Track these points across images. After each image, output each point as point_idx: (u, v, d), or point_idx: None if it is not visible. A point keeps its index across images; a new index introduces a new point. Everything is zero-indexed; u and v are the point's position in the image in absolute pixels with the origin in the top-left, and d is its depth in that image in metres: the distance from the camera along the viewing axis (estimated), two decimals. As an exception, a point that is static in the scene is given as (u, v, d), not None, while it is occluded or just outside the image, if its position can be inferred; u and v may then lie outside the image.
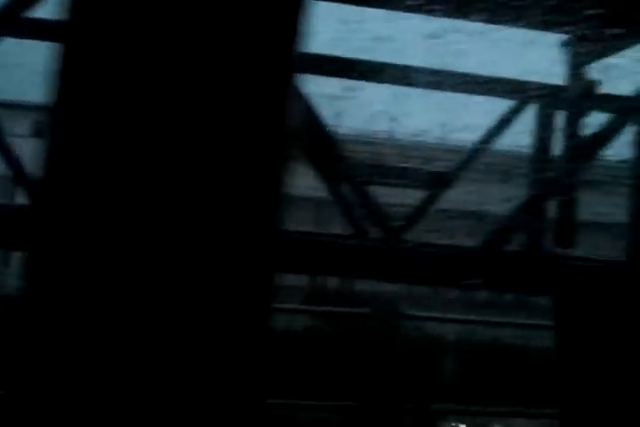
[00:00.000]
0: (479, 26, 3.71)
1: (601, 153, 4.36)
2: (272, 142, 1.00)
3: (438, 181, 4.03)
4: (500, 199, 5.24)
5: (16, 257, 7.81)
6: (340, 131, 9.82)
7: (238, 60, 0.96)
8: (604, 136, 4.21)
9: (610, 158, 7.19)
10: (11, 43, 3.40)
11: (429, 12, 3.55)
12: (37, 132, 10.02)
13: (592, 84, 4.31)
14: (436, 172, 4.14)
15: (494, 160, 7.57)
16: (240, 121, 0.97)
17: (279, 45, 0.98)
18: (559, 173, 4.24)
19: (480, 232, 4.22)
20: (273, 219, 1.04)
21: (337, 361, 7.03)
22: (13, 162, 3.55)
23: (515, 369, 7.30)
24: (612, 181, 7.57)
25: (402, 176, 4.05)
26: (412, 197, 4.63)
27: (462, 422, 6.71)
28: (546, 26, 3.92)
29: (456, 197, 5.11)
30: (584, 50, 4.29)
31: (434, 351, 7.28)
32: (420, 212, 3.97)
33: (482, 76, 4.18)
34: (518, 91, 4.19)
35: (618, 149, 5.23)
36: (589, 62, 4.38)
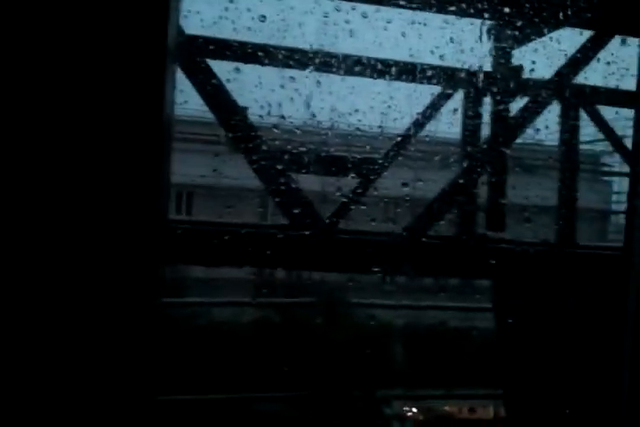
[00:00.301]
0: (369, 7, 3.69)
1: (528, 136, 4.44)
2: (149, 131, 0.97)
3: (369, 169, 4.04)
4: (437, 185, 5.30)
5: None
6: (281, 119, 9.79)
7: (105, 44, 0.92)
8: (529, 119, 4.29)
9: (546, 143, 7.35)
10: None
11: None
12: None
13: (516, 69, 4.39)
14: (367, 159, 4.14)
15: (432, 147, 7.66)
16: (113, 108, 0.94)
17: (149, 28, 0.94)
18: (488, 157, 4.31)
19: (417, 217, 4.26)
20: (156, 210, 1.01)
21: (286, 351, 7.05)
22: None
23: (462, 351, 7.44)
24: (550, 165, 7.76)
25: (333, 164, 4.03)
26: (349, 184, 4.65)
27: (411, 406, 6.81)
28: (438, 8, 3.94)
29: (394, 184, 5.15)
30: (507, 35, 4.35)
31: (382, 337, 7.36)
32: (353, 200, 3.98)
33: (407, 63, 4.20)
34: (444, 77, 4.23)
35: (556, 134, 5.35)
36: (513, 48, 4.46)
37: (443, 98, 4.42)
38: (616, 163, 9.24)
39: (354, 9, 3.64)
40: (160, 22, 0.91)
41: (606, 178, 11.13)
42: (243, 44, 3.82)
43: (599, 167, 10.89)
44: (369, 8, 3.67)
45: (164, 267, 1.00)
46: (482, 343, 6.80)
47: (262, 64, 3.81)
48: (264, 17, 3.58)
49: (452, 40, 3.73)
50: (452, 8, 4.19)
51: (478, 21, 4.36)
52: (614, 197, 10.93)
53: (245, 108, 8.00)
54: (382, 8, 3.70)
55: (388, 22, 3.73)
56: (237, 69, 3.75)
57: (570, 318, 4.35)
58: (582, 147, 5.58)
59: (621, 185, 10.23)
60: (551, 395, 4.62)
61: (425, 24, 3.81)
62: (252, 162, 3.81)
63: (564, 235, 4.61)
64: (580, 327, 4.27)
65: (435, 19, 3.94)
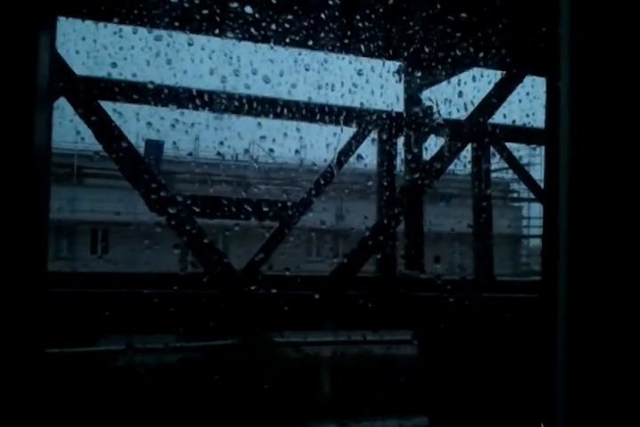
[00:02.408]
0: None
1: (441, 173, 4.52)
2: (15, 172, 0.90)
3: (283, 213, 3.99)
4: (360, 215, 5.34)
5: None
6: (199, 154, 9.68)
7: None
8: (443, 157, 4.38)
9: (458, 172, 7.61)
10: None
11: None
12: None
13: (427, 110, 4.49)
14: (279, 202, 4.06)
15: (352, 178, 7.78)
16: None
17: (15, 71, 0.90)
18: (403, 195, 4.35)
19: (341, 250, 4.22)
20: (31, 258, 0.93)
21: (212, 393, 6.83)
22: None
23: (389, 379, 7.47)
24: (463, 194, 8.03)
25: (243, 208, 3.93)
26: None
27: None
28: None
29: (316, 216, 5.13)
30: (418, 77, 4.46)
31: (309, 373, 7.28)
32: (269, 246, 3.90)
33: (320, 105, 4.23)
34: (358, 118, 4.29)
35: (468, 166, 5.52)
36: (423, 88, 4.57)
37: (359, 137, 4.47)
38: (524, 189, 9.68)
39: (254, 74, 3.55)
40: (27, 66, 0.87)
41: (516, 204, 11.67)
42: (136, 85, 3.72)
43: (509, 194, 11.40)
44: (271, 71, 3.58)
45: (43, 317, 0.93)
46: (405, 374, 6.86)
47: (161, 105, 3.71)
48: (152, 83, 3.50)
49: (361, 105, 3.75)
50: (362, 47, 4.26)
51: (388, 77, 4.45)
52: (524, 222, 11.45)
53: (161, 144, 7.74)
54: (285, 72, 3.65)
55: (293, 87, 3.70)
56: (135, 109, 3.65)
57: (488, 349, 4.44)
58: (492, 175, 5.80)
59: (530, 210, 10.75)
60: (473, 420, 4.72)
61: (332, 88, 3.82)
62: (152, 203, 3.62)
63: (481, 267, 4.72)
64: (500, 357, 4.36)
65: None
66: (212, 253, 3.47)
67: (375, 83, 4.15)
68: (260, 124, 4.00)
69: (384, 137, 4.52)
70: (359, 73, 3.70)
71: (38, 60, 0.88)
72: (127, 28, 3.31)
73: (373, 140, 4.49)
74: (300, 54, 3.69)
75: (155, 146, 8.60)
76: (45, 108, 0.91)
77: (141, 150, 6.32)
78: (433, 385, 5.22)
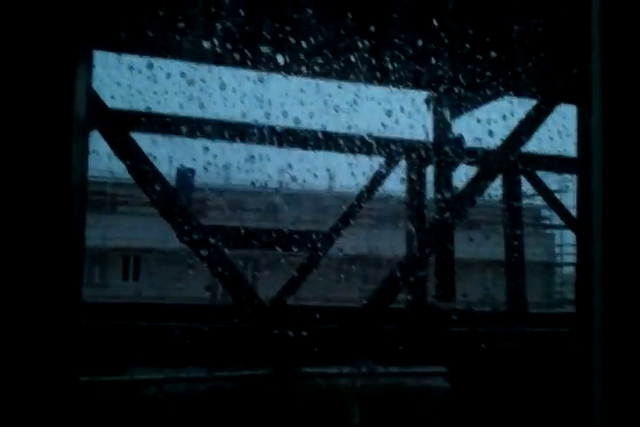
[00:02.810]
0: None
1: (472, 204, 4.45)
2: (50, 202, 0.92)
3: (312, 244, 3.98)
4: (390, 243, 5.30)
5: None
6: (231, 182, 9.77)
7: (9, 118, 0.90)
8: (473, 188, 4.31)
9: (490, 199, 7.52)
10: None
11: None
12: None
13: (457, 139, 4.47)
14: (308, 233, 4.04)
15: (385, 206, 7.75)
16: (15, 178, 0.90)
17: (53, 104, 0.91)
18: (432, 228, 4.29)
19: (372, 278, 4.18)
20: (65, 286, 0.93)
21: (241, 422, 6.76)
22: None
23: (421, 411, 7.30)
24: (494, 221, 7.92)
25: (273, 238, 3.92)
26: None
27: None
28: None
29: (347, 243, 5.10)
30: (447, 106, 4.45)
31: (339, 405, 7.16)
32: (298, 277, 3.88)
33: (349, 136, 4.24)
34: (386, 148, 4.28)
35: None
36: (453, 118, 4.55)
37: (389, 166, 4.47)
38: (555, 216, 9.49)
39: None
40: (65, 99, 0.91)
41: (548, 231, 11.45)
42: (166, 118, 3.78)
43: (540, 221, 11.22)
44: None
45: (77, 346, 0.92)
46: (438, 408, 6.70)
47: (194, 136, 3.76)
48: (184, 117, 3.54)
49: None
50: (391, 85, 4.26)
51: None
52: (557, 250, 11.19)
53: (192, 172, 7.81)
54: (315, 113, 3.66)
55: (323, 128, 3.72)
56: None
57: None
58: (523, 201, 5.72)
59: (562, 237, 10.53)
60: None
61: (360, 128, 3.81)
62: (182, 235, 3.62)
63: (513, 299, 4.62)
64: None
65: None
66: (242, 287, 3.47)
67: (404, 122, 4.12)
68: (290, 165, 4.06)
69: (413, 168, 4.50)
70: (388, 114, 3.70)
71: (75, 93, 0.91)
72: (161, 74, 3.39)
73: (402, 179, 4.49)
74: (330, 96, 3.73)
75: (186, 174, 8.76)
76: (81, 139, 0.93)
77: (173, 179, 6.41)
78: (466, 419, 5.11)
